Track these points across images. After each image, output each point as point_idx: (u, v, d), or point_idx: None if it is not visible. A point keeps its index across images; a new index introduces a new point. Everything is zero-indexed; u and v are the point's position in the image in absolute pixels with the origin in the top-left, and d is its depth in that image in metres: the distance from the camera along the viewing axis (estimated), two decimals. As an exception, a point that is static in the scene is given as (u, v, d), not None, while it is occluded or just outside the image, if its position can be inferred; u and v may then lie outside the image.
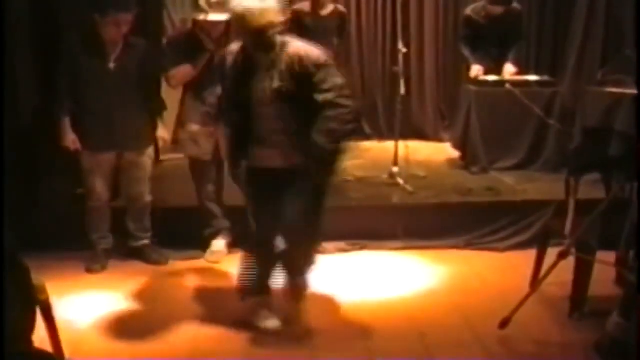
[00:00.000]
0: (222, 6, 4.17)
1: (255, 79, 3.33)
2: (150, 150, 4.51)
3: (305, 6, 6.15)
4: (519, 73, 6.09)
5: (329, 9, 6.17)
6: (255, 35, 3.22)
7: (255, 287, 3.65)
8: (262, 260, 3.62)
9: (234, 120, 3.49)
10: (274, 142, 3.38)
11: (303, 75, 3.24)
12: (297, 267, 3.65)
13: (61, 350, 3.07)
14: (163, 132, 4.48)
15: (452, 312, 3.84)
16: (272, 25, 3.21)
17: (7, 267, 2.38)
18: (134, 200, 4.52)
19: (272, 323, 3.64)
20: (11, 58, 4.58)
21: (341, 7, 6.45)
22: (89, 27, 4.17)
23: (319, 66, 3.26)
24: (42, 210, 4.71)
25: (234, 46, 3.44)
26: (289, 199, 3.39)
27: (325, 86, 3.24)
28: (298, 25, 5.85)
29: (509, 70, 6.04)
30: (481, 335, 3.53)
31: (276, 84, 3.27)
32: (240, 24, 3.21)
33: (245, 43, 3.33)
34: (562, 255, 3.41)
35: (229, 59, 3.41)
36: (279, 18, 3.24)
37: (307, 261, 3.63)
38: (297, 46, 3.32)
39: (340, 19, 6.24)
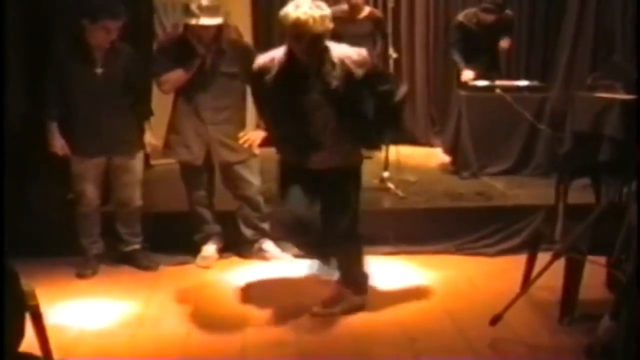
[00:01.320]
0: (213, 10, 4.17)
1: (305, 85, 3.46)
2: (140, 155, 4.50)
3: (339, 10, 6.17)
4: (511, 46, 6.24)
5: (364, 12, 6.21)
6: (313, 42, 3.35)
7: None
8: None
9: (286, 129, 3.59)
10: (323, 145, 3.53)
11: (350, 77, 3.42)
12: (355, 269, 3.87)
13: (51, 356, 3.05)
14: (150, 137, 4.47)
15: (443, 317, 3.83)
16: (328, 31, 3.39)
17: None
18: (124, 204, 4.50)
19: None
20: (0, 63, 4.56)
21: (377, 11, 6.46)
22: (76, 32, 4.16)
23: (363, 65, 3.45)
24: (32, 216, 4.68)
25: (269, 57, 3.51)
26: (333, 200, 3.61)
27: (379, 81, 3.51)
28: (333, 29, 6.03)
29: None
30: (471, 340, 3.53)
31: (329, 85, 3.42)
32: (301, 30, 3.30)
33: (300, 49, 3.40)
34: (556, 256, 3.42)
35: (273, 69, 3.46)
36: (331, 25, 3.41)
37: (361, 258, 3.87)
38: (341, 49, 3.50)
39: (375, 22, 6.21)
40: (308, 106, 3.48)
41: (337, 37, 5.67)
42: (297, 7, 3.31)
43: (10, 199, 4.64)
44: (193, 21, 4.17)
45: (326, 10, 3.38)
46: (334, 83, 3.43)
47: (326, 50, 3.45)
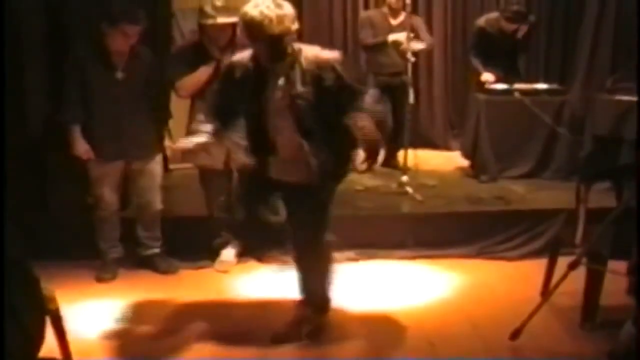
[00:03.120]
0: (228, 10, 4.18)
1: (269, 88, 3.28)
2: (160, 158, 4.51)
3: (376, 12, 6.24)
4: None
5: (400, 17, 6.06)
6: (271, 43, 3.14)
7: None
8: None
9: (248, 132, 3.44)
10: (288, 154, 3.35)
11: (319, 83, 3.23)
12: (316, 287, 3.65)
13: (70, 359, 3.07)
14: (169, 141, 4.48)
15: (462, 322, 3.81)
16: (288, 32, 3.15)
17: (17, 276, 2.39)
18: (144, 208, 4.52)
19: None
20: (22, 67, 4.60)
21: (415, 18, 6.27)
22: (96, 37, 4.19)
23: (333, 69, 3.26)
24: (52, 220, 4.71)
25: (242, 55, 3.38)
26: (299, 216, 3.41)
27: (348, 91, 3.29)
28: (371, 29, 6.08)
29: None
30: (491, 345, 3.51)
31: (294, 91, 3.23)
32: (256, 30, 3.09)
33: (259, 51, 3.23)
34: (572, 266, 3.39)
35: (238, 69, 3.33)
36: (295, 25, 3.19)
37: (325, 277, 3.62)
38: (313, 51, 3.30)
39: (411, 28, 5.80)
40: (268, 110, 3.29)
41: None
42: (255, 6, 3.09)
43: (31, 202, 4.70)
44: (209, 21, 4.18)
45: (287, 10, 3.14)
46: (299, 88, 3.22)
47: (299, 52, 3.25)
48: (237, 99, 3.38)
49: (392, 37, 5.96)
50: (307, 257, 3.55)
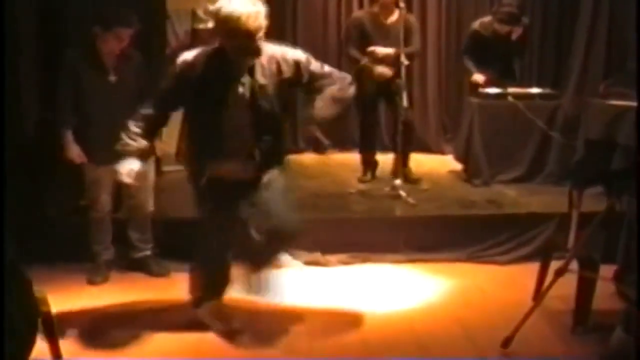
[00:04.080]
0: None
1: (232, 84, 3.32)
2: (151, 161, 4.51)
3: (366, 13, 6.04)
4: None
5: (393, 16, 5.78)
6: (246, 39, 3.18)
7: (209, 295, 3.73)
8: (215, 270, 3.69)
9: (199, 129, 3.44)
10: (240, 153, 3.40)
11: (281, 77, 3.34)
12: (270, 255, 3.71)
13: (62, 363, 3.08)
14: (160, 143, 4.47)
15: (454, 326, 3.82)
16: (261, 28, 3.19)
17: (9, 279, 2.38)
18: (136, 210, 4.51)
19: (228, 324, 3.70)
20: (15, 70, 4.59)
21: (410, 16, 6.04)
22: (89, 40, 4.18)
23: (298, 62, 3.38)
24: (45, 222, 4.70)
25: (193, 54, 3.37)
26: (263, 200, 3.44)
27: (319, 73, 3.42)
28: (360, 32, 5.77)
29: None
30: (483, 349, 3.52)
31: (257, 85, 3.30)
32: (232, 26, 3.14)
33: (231, 47, 3.25)
34: (558, 273, 3.40)
35: (196, 67, 3.32)
36: (265, 21, 3.22)
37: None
38: (274, 49, 3.37)
39: (406, 26, 5.69)
40: (227, 105, 3.33)
41: (367, 40, 5.69)
42: (230, 2, 3.15)
43: (23, 205, 4.68)
44: (201, 26, 4.19)
45: (260, 7, 3.19)
46: (261, 81, 3.32)
47: (260, 48, 3.28)
48: (189, 98, 3.37)
49: (377, 70, 5.68)
50: (283, 235, 3.57)
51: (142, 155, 3.46)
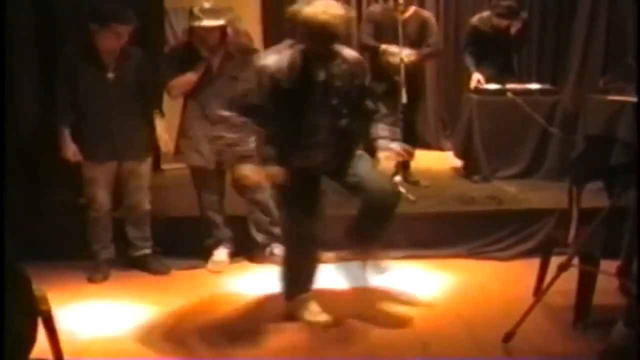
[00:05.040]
0: (215, 13, 4.20)
1: (315, 85, 3.46)
2: (149, 159, 4.51)
3: (381, 8, 5.98)
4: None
5: (408, 12, 5.68)
6: (334, 42, 3.37)
7: (301, 288, 3.78)
8: (307, 262, 3.75)
9: (283, 128, 3.53)
10: (323, 148, 3.54)
11: (356, 80, 3.54)
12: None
13: (62, 360, 3.06)
14: (162, 131, 4.44)
15: (455, 322, 3.81)
16: (342, 32, 3.37)
17: (8, 277, 2.37)
18: (134, 209, 4.51)
19: (323, 317, 3.75)
20: (12, 68, 4.58)
21: (424, 12, 5.99)
22: (86, 38, 4.18)
23: (366, 72, 3.61)
24: (44, 220, 4.70)
25: (275, 60, 3.44)
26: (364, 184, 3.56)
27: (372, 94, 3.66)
28: (375, 27, 5.72)
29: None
30: (484, 345, 3.51)
31: (335, 86, 3.48)
32: (326, 30, 3.28)
33: (322, 50, 3.39)
34: (562, 268, 3.40)
35: (281, 73, 3.41)
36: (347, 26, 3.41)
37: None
38: (350, 53, 3.58)
39: (421, 24, 5.70)
40: (315, 105, 3.47)
41: (380, 35, 5.67)
42: (324, 11, 3.27)
43: (22, 203, 4.68)
44: (196, 23, 4.20)
45: (342, 11, 3.35)
46: (339, 83, 3.48)
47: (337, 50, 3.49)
48: (282, 103, 3.47)
49: (383, 47, 5.59)
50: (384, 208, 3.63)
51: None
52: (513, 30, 6.03)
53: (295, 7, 3.34)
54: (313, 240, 3.72)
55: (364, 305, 4.02)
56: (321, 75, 3.46)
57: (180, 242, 4.72)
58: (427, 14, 6.02)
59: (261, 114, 3.51)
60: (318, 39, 3.33)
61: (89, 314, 3.96)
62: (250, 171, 3.56)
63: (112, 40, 4.15)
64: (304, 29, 3.32)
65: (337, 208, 4.09)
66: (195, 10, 4.18)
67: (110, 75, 4.23)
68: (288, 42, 3.51)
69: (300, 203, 3.62)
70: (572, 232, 3.76)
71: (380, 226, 3.69)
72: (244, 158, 4.05)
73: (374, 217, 3.61)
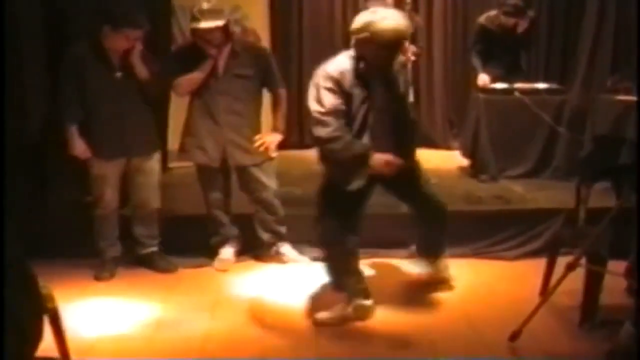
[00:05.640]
0: (214, 13, 4.20)
1: (378, 90, 3.62)
2: (158, 156, 4.52)
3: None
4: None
5: None
6: (398, 49, 3.60)
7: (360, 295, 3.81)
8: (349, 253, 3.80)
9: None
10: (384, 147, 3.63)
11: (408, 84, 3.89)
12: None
13: (68, 359, 3.07)
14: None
15: (461, 321, 3.81)
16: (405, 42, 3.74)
17: (14, 275, 2.38)
18: (141, 206, 4.52)
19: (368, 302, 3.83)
20: (21, 66, 4.59)
21: (416, 16, 6.07)
22: (95, 36, 4.19)
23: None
24: (51, 218, 4.70)
25: (339, 67, 3.54)
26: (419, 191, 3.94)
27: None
28: None
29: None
30: (490, 344, 3.51)
31: (395, 91, 3.71)
32: (401, 39, 3.52)
33: (382, 57, 3.53)
34: (570, 267, 3.39)
35: (347, 77, 3.52)
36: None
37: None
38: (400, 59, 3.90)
39: (414, 28, 5.64)
40: (373, 109, 3.60)
41: None
42: (395, 22, 3.45)
43: (30, 201, 4.69)
44: (194, 25, 4.22)
45: (405, 21, 3.56)
46: (398, 86, 3.74)
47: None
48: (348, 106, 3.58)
49: None
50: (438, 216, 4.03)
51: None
52: (520, 28, 6.03)
53: (363, 20, 3.50)
54: (354, 236, 3.78)
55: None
56: (381, 81, 3.63)
57: (187, 240, 4.72)
58: (419, 20, 6.19)
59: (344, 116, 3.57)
60: (389, 48, 3.49)
61: (96, 312, 3.97)
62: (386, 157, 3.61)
63: (122, 42, 4.17)
64: (376, 40, 3.45)
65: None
66: (194, 11, 4.19)
67: (117, 74, 4.24)
68: (349, 52, 3.62)
69: (350, 201, 3.70)
70: (580, 232, 3.75)
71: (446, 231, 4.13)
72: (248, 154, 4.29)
73: (442, 226, 4.07)
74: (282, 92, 4.55)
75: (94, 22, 4.22)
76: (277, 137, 4.53)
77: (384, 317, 3.86)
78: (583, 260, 3.49)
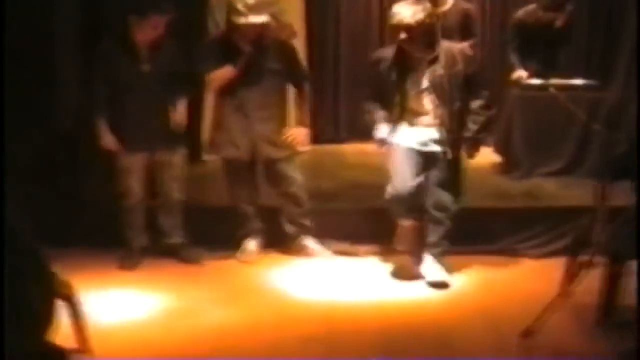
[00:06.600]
0: (259, 8, 4.21)
1: (414, 74, 4.10)
2: (183, 150, 4.58)
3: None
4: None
5: (447, 4, 5.62)
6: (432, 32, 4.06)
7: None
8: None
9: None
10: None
11: (456, 69, 4.08)
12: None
13: (87, 346, 3.12)
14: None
15: (481, 317, 3.80)
16: (424, 26, 4.00)
17: (26, 259, 2.45)
18: (166, 198, 4.58)
19: (441, 275, 4.20)
20: (54, 60, 4.71)
21: (465, 4, 5.88)
22: (123, 30, 4.26)
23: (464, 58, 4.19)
24: (81, 209, 4.81)
25: (384, 51, 4.21)
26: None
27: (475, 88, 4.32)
28: None
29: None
30: (506, 342, 3.49)
31: (438, 73, 4.05)
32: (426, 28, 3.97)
33: (417, 44, 4.01)
34: (583, 266, 3.35)
35: (385, 62, 4.10)
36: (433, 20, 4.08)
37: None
38: (451, 44, 4.23)
39: (462, 16, 5.68)
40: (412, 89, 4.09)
41: None
42: (423, 8, 3.98)
43: (64, 192, 4.81)
44: (241, 20, 4.22)
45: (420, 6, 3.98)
46: (440, 71, 4.02)
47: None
48: (386, 86, 4.13)
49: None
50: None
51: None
52: (558, 23, 5.91)
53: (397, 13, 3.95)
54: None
55: (385, 300, 4.05)
56: (419, 66, 4.06)
57: (214, 232, 4.76)
58: (469, 6, 5.93)
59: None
60: (416, 34, 3.94)
61: (117, 300, 4.05)
62: None
63: (150, 31, 4.23)
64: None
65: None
66: (240, 6, 4.19)
67: (145, 67, 4.31)
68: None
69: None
70: (598, 230, 3.69)
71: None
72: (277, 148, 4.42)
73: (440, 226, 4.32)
74: (307, 86, 4.58)
75: (121, 14, 4.29)
76: (304, 132, 4.57)
77: (400, 311, 3.87)
78: (600, 260, 3.44)
